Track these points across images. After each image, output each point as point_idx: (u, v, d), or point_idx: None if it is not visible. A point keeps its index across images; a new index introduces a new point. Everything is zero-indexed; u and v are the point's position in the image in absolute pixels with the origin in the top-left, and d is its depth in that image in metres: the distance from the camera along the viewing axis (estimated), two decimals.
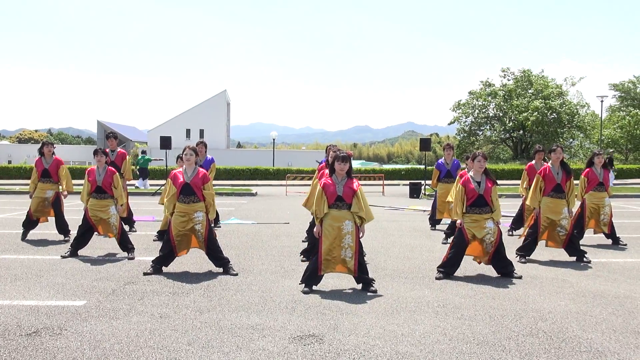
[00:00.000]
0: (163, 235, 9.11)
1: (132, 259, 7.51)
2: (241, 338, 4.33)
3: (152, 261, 6.70)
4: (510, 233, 10.02)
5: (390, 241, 9.45)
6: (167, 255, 6.60)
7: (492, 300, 5.52)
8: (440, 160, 11.06)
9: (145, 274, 6.49)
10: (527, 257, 7.65)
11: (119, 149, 10.29)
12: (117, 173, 7.83)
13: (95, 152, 7.81)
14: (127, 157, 10.40)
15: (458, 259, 6.56)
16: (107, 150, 9.82)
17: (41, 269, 6.79)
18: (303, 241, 8.92)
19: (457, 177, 9.04)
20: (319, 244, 5.84)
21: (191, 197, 6.59)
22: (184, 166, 6.72)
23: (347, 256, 5.75)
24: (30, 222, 9.21)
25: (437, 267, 6.65)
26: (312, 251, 6.96)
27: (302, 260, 7.45)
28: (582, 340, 4.35)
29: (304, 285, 5.85)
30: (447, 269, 6.52)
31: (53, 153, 9.28)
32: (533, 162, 9.88)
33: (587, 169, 9.14)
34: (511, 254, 8.15)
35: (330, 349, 4.11)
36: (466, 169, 9.21)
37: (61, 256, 7.53)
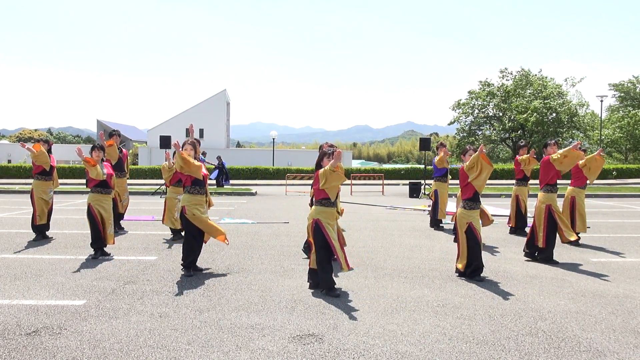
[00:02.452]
0: (178, 234, 9.14)
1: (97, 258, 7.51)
2: (241, 337, 4.34)
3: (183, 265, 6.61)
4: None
5: (390, 241, 9.45)
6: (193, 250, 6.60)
7: (492, 299, 5.53)
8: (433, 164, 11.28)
9: (186, 276, 6.48)
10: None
11: (123, 149, 10.44)
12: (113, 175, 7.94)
13: (93, 148, 7.75)
14: (127, 156, 10.59)
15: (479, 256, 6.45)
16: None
17: (41, 269, 6.80)
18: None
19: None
20: (332, 246, 5.64)
21: (204, 189, 6.65)
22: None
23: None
24: (42, 227, 9.14)
25: (468, 275, 6.45)
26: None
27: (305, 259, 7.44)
28: (581, 339, 4.36)
29: (327, 290, 5.69)
30: (479, 270, 6.43)
31: (49, 151, 9.26)
32: (518, 157, 10.46)
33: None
34: (510, 253, 8.17)
35: (330, 349, 4.12)
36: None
37: (92, 257, 7.50)
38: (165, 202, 9.24)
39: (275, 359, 3.91)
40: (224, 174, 24.99)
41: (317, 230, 5.70)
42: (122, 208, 10.16)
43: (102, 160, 7.84)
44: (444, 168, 11.04)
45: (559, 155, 7.42)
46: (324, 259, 5.67)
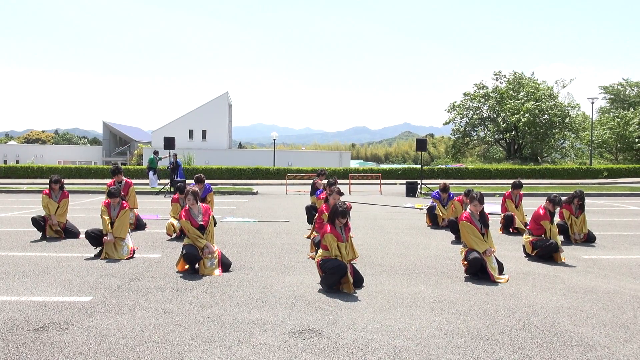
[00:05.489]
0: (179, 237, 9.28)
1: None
2: (243, 332, 4.44)
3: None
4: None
5: (387, 238, 9.57)
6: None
7: (486, 295, 5.65)
8: (436, 194, 11.36)
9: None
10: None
11: (125, 180, 10.80)
12: (127, 209, 8.00)
13: (110, 194, 7.90)
14: (132, 186, 10.85)
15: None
16: (114, 181, 10.52)
17: (48, 266, 6.91)
18: None
19: (454, 201, 10.12)
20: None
21: (204, 231, 6.85)
22: (188, 206, 6.93)
23: None
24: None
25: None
26: None
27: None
28: (573, 334, 4.46)
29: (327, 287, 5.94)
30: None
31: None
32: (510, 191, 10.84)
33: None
34: (506, 251, 8.30)
35: (329, 343, 4.21)
36: (463, 205, 9.51)
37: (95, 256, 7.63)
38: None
39: (276, 354, 3.98)
40: (177, 174, 24.05)
41: (323, 262, 5.85)
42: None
43: (122, 199, 8.06)
44: (442, 203, 11.24)
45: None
46: (330, 283, 5.81)
